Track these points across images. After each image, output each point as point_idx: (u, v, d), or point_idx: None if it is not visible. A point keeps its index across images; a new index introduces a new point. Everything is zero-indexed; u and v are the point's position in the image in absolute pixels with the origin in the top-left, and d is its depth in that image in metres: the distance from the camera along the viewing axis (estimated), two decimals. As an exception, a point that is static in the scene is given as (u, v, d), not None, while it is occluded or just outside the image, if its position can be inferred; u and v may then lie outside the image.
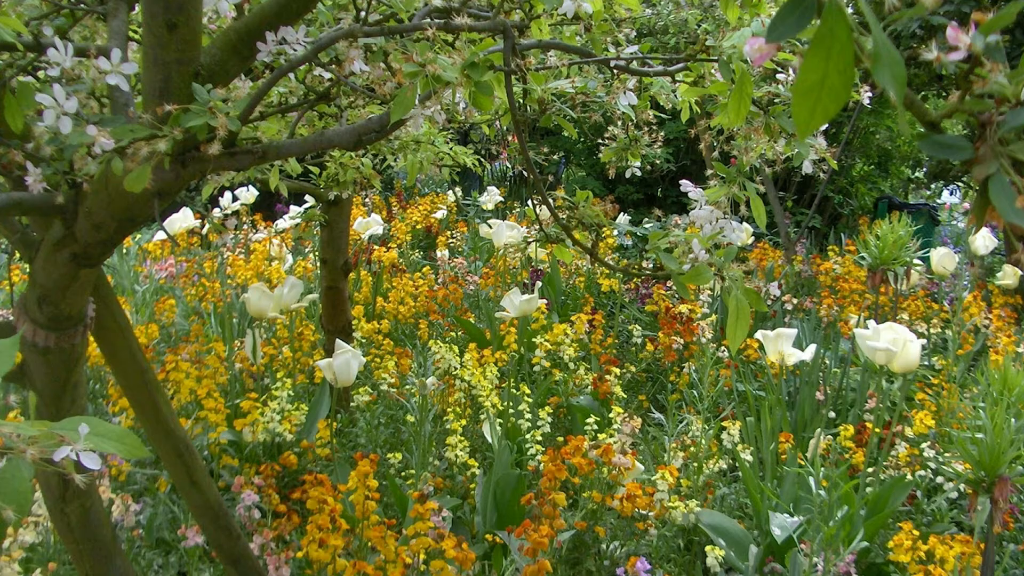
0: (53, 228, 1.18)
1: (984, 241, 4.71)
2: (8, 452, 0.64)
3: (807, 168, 1.20)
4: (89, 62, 0.93)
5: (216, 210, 4.46)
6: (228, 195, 4.43)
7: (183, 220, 4.20)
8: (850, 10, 0.52)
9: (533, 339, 3.45)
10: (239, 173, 2.01)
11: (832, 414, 3.18)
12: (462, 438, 2.63)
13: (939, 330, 3.96)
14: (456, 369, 3.09)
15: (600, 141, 1.38)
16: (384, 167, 2.33)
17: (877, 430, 2.54)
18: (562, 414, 3.12)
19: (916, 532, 2.10)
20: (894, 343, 2.47)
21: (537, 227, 1.27)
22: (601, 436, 2.59)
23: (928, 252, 4.28)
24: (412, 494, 1.99)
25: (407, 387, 2.97)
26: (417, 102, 0.96)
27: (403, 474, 2.62)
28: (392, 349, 3.34)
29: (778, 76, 1.16)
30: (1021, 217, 0.51)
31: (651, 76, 1.27)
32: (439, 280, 4.54)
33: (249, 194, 4.41)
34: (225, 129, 0.90)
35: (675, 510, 2.31)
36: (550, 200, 1.18)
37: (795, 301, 4.29)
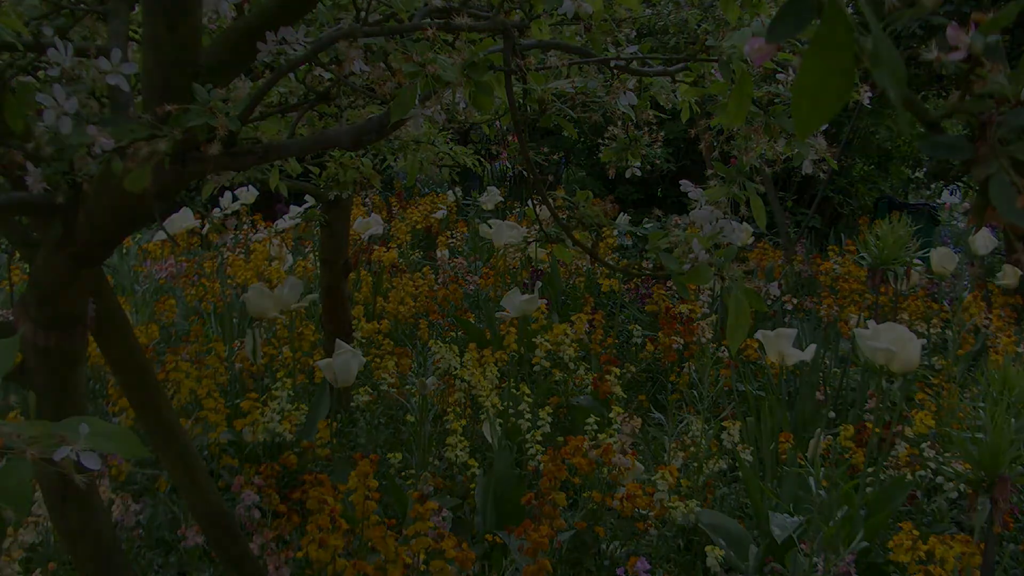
0: (53, 228, 1.18)
1: (984, 241, 4.71)
2: (8, 452, 0.64)
3: (807, 168, 1.20)
4: (89, 62, 0.93)
5: (216, 210, 4.46)
6: (228, 195, 4.44)
7: (183, 220, 4.21)
8: (850, 10, 0.52)
9: (533, 339, 3.45)
10: (239, 173, 2.01)
11: (832, 414, 3.18)
12: (462, 438, 2.62)
13: (939, 330, 3.96)
14: (456, 369, 3.09)
15: (600, 141, 1.38)
16: (384, 167, 2.33)
17: (877, 430, 2.54)
18: (562, 414, 3.12)
19: (916, 532, 2.09)
20: (894, 343, 2.47)
21: (537, 227, 1.26)
22: (601, 436, 2.59)
23: (928, 252, 4.28)
24: (412, 494, 1.99)
25: (407, 387, 2.97)
26: (417, 102, 0.96)
27: (403, 474, 2.62)
28: (392, 349, 3.34)
29: (778, 76, 1.16)
30: (1021, 217, 0.51)
31: (651, 76, 1.27)
32: (439, 280, 4.53)
33: (249, 194, 4.42)
34: (225, 129, 0.90)
35: (675, 510, 2.31)
36: (550, 200, 1.18)
37: (795, 301, 4.29)
